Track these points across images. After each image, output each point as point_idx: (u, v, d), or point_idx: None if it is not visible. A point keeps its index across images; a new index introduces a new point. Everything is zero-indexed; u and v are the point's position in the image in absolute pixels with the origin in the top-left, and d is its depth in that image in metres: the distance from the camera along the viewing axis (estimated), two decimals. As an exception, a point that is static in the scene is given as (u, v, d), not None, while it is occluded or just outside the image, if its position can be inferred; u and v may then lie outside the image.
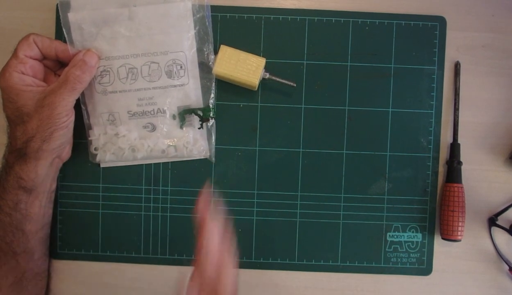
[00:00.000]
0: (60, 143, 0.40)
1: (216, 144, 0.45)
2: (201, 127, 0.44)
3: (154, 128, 0.43)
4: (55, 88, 0.39)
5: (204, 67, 0.43)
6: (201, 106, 0.44)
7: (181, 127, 0.43)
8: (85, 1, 0.41)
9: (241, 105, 0.45)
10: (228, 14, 0.45)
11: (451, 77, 0.45)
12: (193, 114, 0.43)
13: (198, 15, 0.42)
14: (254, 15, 0.45)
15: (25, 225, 0.40)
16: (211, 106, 0.44)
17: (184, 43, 0.42)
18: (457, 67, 0.45)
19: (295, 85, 0.43)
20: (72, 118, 0.40)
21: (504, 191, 0.46)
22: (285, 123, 0.45)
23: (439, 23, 0.45)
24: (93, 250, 0.45)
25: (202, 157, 0.45)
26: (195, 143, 0.44)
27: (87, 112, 0.43)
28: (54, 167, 0.41)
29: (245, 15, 0.45)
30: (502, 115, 0.46)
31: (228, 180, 0.45)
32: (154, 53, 0.41)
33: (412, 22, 0.45)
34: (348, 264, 0.45)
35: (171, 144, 0.44)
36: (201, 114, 0.43)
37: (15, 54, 0.39)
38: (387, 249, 0.45)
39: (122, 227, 0.45)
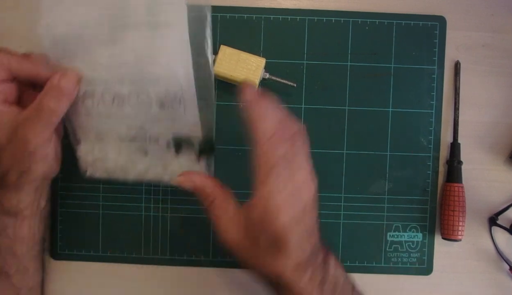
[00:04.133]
0: (43, 171, 0.36)
1: (217, 144, 0.45)
2: (198, 160, 0.40)
3: (146, 153, 0.39)
4: (28, 118, 0.33)
5: (203, 92, 0.37)
6: (200, 134, 0.38)
7: (176, 156, 0.39)
8: (59, 15, 0.35)
9: (241, 105, 0.45)
10: (228, 14, 0.45)
11: (451, 76, 0.45)
12: (188, 145, 0.39)
13: (196, 39, 0.36)
14: (254, 15, 0.45)
15: (15, 248, 0.38)
16: (211, 138, 0.38)
17: (179, 71, 0.35)
18: (457, 66, 0.45)
19: (295, 85, 0.43)
20: (52, 144, 0.36)
21: (504, 191, 0.46)
22: (285, 123, 0.45)
23: (439, 22, 0.45)
24: (93, 251, 0.45)
25: None
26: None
27: (72, 130, 0.39)
28: (41, 189, 0.38)
29: (245, 15, 0.45)
30: (502, 114, 0.46)
31: (228, 180, 0.45)
32: (143, 81, 0.35)
33: (412, 22, 0.45)
34: (348, 264, 0.45)
35: (164, 171, 0.40)
36: (198, 148, 0.39)
37: None
38: (387, 249, 0.45)
39: (122, 227, 0.45)
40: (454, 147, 0.45)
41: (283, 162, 0.30)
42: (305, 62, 0.45)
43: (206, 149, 0.39)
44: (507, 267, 0.45)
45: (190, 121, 0.37)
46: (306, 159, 0.32)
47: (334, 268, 0.32)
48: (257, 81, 0.42)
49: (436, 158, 0.45)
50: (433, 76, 0.45)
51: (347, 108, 0.45)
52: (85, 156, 0.40)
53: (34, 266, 0.41)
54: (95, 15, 0.34)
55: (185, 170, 0.37)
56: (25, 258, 0.39)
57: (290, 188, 0.30)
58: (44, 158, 0.35)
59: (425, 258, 0.45)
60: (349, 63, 0.45)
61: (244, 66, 0.42)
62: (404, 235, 0.45)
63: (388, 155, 0.45)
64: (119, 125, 0.37)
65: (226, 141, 0.45)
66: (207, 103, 0.37)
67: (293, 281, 0.31)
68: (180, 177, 0.35)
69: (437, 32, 0.45)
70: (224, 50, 0.42)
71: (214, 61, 0.42)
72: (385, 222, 0.45)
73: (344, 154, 0.45)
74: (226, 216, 0.33)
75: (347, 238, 0.45)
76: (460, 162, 0.44)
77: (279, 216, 0.29)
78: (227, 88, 0.44)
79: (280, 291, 0.32)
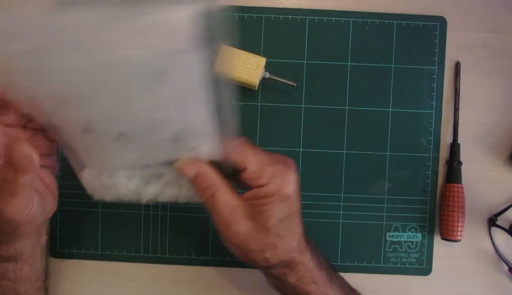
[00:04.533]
0: (34, 225, 0.33)
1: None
2: None
3: (160, 176, 0.35)
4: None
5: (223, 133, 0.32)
6: (218, 159, 0.34)
7: None
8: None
9: (241, 105, 0.45)
10: (228, 14, 0.44)
11: (451, 77, 0.45)
12: None
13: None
14: (255, 15, 0.45)
15: (18, 288, 0.37)
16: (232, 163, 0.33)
17: (195, 113, 0.30)
18: (457, 67, 0.45)
19: (295, 84, 0.43)
20: (35, 200, 0.32)
21: (504, 191, 0.46)
22: (285, 123, 0.45)
23: (440, 23, 0.45)
24: (93, 249, 0.45)
25: None
26: None
27: (73, 156, 0.35)
28: (40, 229, 0.37)
29: (245, 15, 0.45)
30: (502, 115, 0.46)
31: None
32: (151, 121, 0.30)
33: (412, 22, 0.45)
34: (347, 264, 0.45)
35: (179, 192, 0.36)
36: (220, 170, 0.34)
37: None
38: (386, 249, 0.45)
39: (122, 226, 0.45)
40: (454, 147, 0.45)
41: (255, 146, 0.33)
42: (305, 61, 0.45)
43: (227, 172, 0.34)
44: (506, 267, 0.45)
45: (208, 151, 0.33)
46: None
47: (317, 248, 0.36)
48: (257, 80, 0.42)
49: (436, 159, 0.45)
50: (433, 76, 0.45)
51: (347, 108, 0.45)
52: (92, 182, 0.36)
53: None
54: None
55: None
56: (29, 293, 0.38)
57: (280, 160, 0.33)
58: (30, 217, 0.32)
59: (424, 258, 0.45)
60: (349, 63, 0.45)
61: (244, 65, 0.42)
62: (403, 235, 0.46)
63: (388, 155, 0.45)
64: (127, 156, 0.34)
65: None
66: (227, 135, 0.32)
67: (301, 258, 0.33)
68: (183, 162, 0.33)
69: (438, 32, 0.45)
70: (225, 49, 0.42)
71: (214, 60, 0.42)
72: (384, 222, 0.45)
73: (344, 154, 0.45)
74: (229, 209, 0.32)
75: (347, 238, 0.45)
76: (460, 163, 0.44)
77: (288, 186, 0.32)
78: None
79: (293, 273, 0.34)
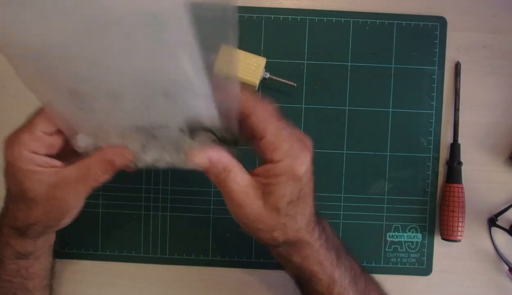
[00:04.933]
0: (68, 224, 0.36)
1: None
2: (219, 144, 0.35)
3: (154, 137, 0.35)
4: (70, 180, 0.33)
5: (220, 81, 0.32)
6: (219, 125, 0.33)
7: (192, 138, 0.35)
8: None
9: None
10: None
11: (452, 77, 0.45)
12: (209, 132, 0.34)
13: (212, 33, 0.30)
14: (255, 15, 0.45)
15: (28, 284, 0.38)
16: (233, 129, 0.33)
17: (184, 62, 0.29)
18: (457, 67, 0.45)
19: (295, 85, 0.43)
20: (83, 202, 0.35)
21: (504, 192, 0.46)
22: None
23: (440, 23, 0.45)
24: (93, 249, 0.45)
25: None
26: None
27: (64, 122, 0.34)
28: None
29: (246, 15, 0.45)
30: (502, 115, 0.46)
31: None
32: (140, 77, 0.29)
33: (412, 22, 0.45)
34: (348, 264, 0.45)
35: (178, 156, 0.36)
36: (219, 136, 0.34)
37: (30, 128, 0.32)
38: (387, 249, 0.45)
39: (122, 227, 0.45)
40: (454, 147, 0.45)
41: (280, 118, 0.32)
42: (305, 62, 0.45)
43: (228, 139, 0.34)
44: (507, 268, 0.45)
45: (204, 109, 0.32)
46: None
47: (327, 226, 0.36)
48: (257, 80, 0.42)
49: (436, 159, 0.45)
50: (434, 76, 0.45)
51: (347, 108, 0.45)
52: (86, 148, 0.36)
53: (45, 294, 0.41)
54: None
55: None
56: (36, 290, 0.39)
57: (299, 139, 0.32)
58: (75, 214, 0.36)
59: (425, 258, 0.45)
60: (349, 63, 0.45)
61: (244, 65, 0.42)
62: (403, 236, 0.46)
63: (388, 156, 0.45)
64: (118, 116, 0.33)
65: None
66: (227, 95, 0.32)
67: (308, 238, 0.33)
68: (193, 152, 0.33)
69: (438, 32, 0.45)
70: (225, 49, 0.42)
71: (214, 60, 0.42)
72: (384, 223, 0.45)
73: (344, 154, 0.45)
74: (240, 191, 0.32)
75: (347, 238, 0.45)
76: (460, 163, 0.44)
77: (301, 166, 0.31)
78: (227, 87, 0.44)
79: (300, 252, 0.34)
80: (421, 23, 0.45)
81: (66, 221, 0.36)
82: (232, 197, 0.32)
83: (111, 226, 0.45)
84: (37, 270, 0.38)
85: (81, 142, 0.35)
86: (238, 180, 0.32)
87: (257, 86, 0.43)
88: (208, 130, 0.34)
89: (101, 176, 0.34)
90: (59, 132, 0.34)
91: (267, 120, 0.32)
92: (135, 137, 0.35)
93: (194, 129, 0.34)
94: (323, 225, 0.35)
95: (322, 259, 0.34)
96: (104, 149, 0.34)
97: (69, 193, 0.33)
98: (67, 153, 0.35)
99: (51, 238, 0.39)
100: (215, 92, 0.31)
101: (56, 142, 0.34)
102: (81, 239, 0.45)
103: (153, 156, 0.35)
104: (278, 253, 0.35)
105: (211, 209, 0.45)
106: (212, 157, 0.32)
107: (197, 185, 0.45)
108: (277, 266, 0.45)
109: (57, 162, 0.34)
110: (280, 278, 0.46)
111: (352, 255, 0.37)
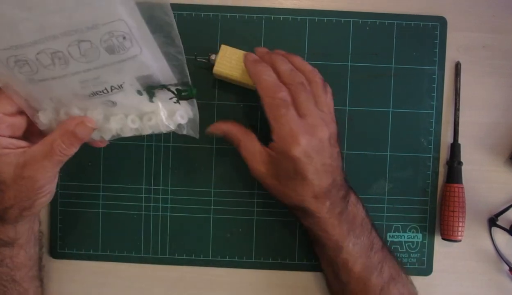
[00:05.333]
0: (45, 204, 0.36)
1: (216, 144, 0.45)
2: (178, 102, 0.37)
3: (114, 104, 0.35)
4: (37, 157, 0.33)
5: (164, 36, 0.33)
6: (174, 80, 0.35)
7: (151, 101, 0.36)
8: None
9: (241, 105, 0.45)
10: (228, 14, 0.45)
11: (452, 77, 0.45)
12: (164, 89, 0.35)
13: None
14: (255, 15, 0.45)
15: (14, 274, 0.38)
16: (187, 82, 0.35)
17: (119, 8, 0.30)
18: (457, 67, 0.45)
19: None
20: (57, 180, 0.36)
21: (504, 192, 0.46)
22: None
23: (440, 23, 0.45)
24: (93, 250, 0.45)
25: (185, 133, 0.38)
26: (171, 114, 0.37)
27: (22, 101, 0.34)
28: (36, 216, 0.39)
29: (246, 15, 0.45)
30: (502, 115, 0.46)
31: (229, 179, 0.45)
32: (78, 30, 0.30)
33: (412, 22, 0.45)
34: (348, 264, 0.45)
35: (142, 122, 0.36)
36: (177, 92, 0.36)
37: None
38: (387, 249, 0.45)
39: (122, 227, 0.45)
40: (454, 147, 0.45)
41: (284, 105, 0.35)
42: (305, 62, 0.45)
43: (185, 92, 0.36)
44: (507, 268, 0.45)
45: (150, 59, 0.33)
46: (313, 105, 0.36)
47: (353, 204, 0.38)
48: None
49: (436, 159, 0.45)
50: (434, 76, 0.45)
51: (347, 108, 0.45)
52: (49, 123, 0.36)
53: (34, 286, 0.41)
54: None
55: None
56: (24, 282, 0.39)
57: (298, 128, 0.35)
58: (48, 194, 0.36)
59: (425, 258, 0.45)
60: (349, 63, 0.45)
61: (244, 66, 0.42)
62: (404, 236, 0.45)
63: (388, 156, 0.45)
64: (71, 84, 0.33)
65: (226, 141, 0.45)
66: (172, 45, 0.33)
67: (314, 209, 0.36)
68: (210, 127, 0.40)
69: (438, 32, 0.45)
70: (225, 49, 0.42)
71: (214, 60, 0.42)
72: (385, 223, 0.45)
73: (345, 154, 0.45)
74: (253, 154, 0.38)
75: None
76: (460, 163, 0.44)
77: (292, 149, 0.34)
78: (227, 88, 0.44)
79: (306, 217, 0.38)
80: (421, 23, 0.45)
81: (42, 201, 0.35)
82: (244, 156, 0.39)
83: (111, 226, 0.45)
84: (23, 260, 0.38)
85: (43, 118, 0.35)
86: (247, 147, 0.38)
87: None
88: (165, 87, 0.35)
89: (66, 149, 0.33)
90: (22, 112, 0.34)
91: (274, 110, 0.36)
92: (95, 107, 0.35)
93: (151, 89, 0.35)
94: (346, 200, 0.38)
95: (329, 228, 0.37)
96: (64, 121, 0.34)
97: (37, 170, 0.33)
98: (34, 134, 0.36)
99: (34, 225, 0.39)
100: (161, 45, 0.33)
101: (19, 122, 0.34)
102: (81, 239, 0.45)
103: (116, 125, 0.36)
104: (290, 211, 0.40)
105: (211, 209, 0.45)
106: (225, 129, 0.40)
107: (197, 185, 0.45)
108: (277, 266, 0.46)
109: (23, 143, 0.34)
110: (280, 278, 0.46)
111: (376, 232, 0.40)
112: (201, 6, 0.45)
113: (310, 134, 0.35)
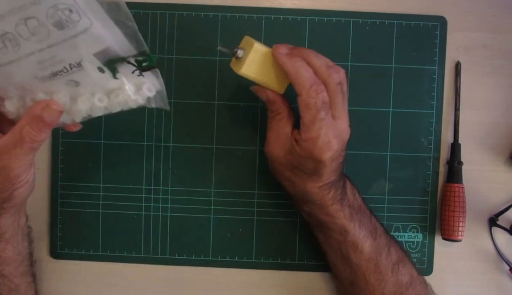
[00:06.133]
0: (25, 195, 0.36)
1: (216, 144, 0.45)
2: (141, 75, 0.35)
3: (77, 84, 0.34)
4: (8, 146, 0.33)
5: (108, 3, 0.31)
6: (132, 50, 0.34)
7: (115, 77, 0.35)
8: None
9: (241, 105, 0.45)
10: (228, 14, 0.45)
11: (452, 77, 0.45)
12: (124, 62, 0.34)
13: None
14: (255, 15, 0.45)
15: (3, 269, 0.38)
16: (145, 50, 0.33)
17: None
18: (457, 67, 0.45)
19: None
20: (34, 168, 0.36)
21: (504, 191, 0.46)
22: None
23: (440, 23, 0.45)
24: (93, 250, 0.45)
25: (154, 106, 0.37)
26: (138, 88, 0.36)
27: None
28: (20, 209, 0.38)
29: (246, 15, 0.45)
30: (502, 115, 0.46)
31: (229, 180, 0.45)
32: (21, 7, 0.29)
33: (412, 22, 0.45)
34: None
35: (110, 101, 0.36)
36: (137, 64, 0.34)
37: None
38: (387, 249, 0.45)
39: (122, 227, 0.45)
40: (455, 147, 0.45)
41: (324, 108, 0.35)
42: (305, 62, 0.45)
43: (145, 62, 0.34)
44: (507, 267, 0.45)
45: (102, 29, 0.32)
46: (345, 106, 0.37)
47: (350, 190, 0.40)
48: (284, 89, 0.39)
49: (437, 159, 0.45)
50: (434, 76, 0.45)
51: (347, 108, 0.45)
52: (17, 111, 0.35)
53: (26, 282, 0.40)
54: None
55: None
56: (14, 277, 0.39)
57: (332, 132, 0.35)
58: (26, 183, 0.35)
59: (425, 258, 0.45)
60: (349, 63, 0.45)
61: (274, 69, 0.37)
62: (404, 236, 0.45)
63: (388, 155, 0.45)
64: (29, 68, 0.32)
65: (226, 141, 0.45)
66: (118, 11, 0.32)
67: (318, 198, 0.38)
68: (257, 87, 0.38)
69: (438, 32, 0.45)
70: (257, 49, 0.36)
71: (241, 58, 0.36)
72: (385, 222, 0.45)
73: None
74: (278, 135, 0.38)
75: (347, 238, 0.45)
76: (460, 163, 0.44)
77: (322, 156, 0.35)
78: (227, 88, 0.44)
79: (308, 204, 0.39)
80: (421, 23, 0.45)
81: (21, 191, 0.35)
82: (269, 132, 0.39)
83: (111, 226, 0.45)
84: (11, 254, 0.38)
85: (10, 107, 0.35)
86: (279, 125, 0.38)
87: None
88: (124, 60, 0.34)
89: (36, 135, 0.33)
90: None
91: (309, 108, 0.35)
92: (60, 89, 0.35)
93: (111, 64, 0.34)
94: (344, 187, 0.39)
95: (333, 212, 0.38)
96: (30, 107, 0.33)
97: (10, 159, 0.33)
98: (6, 124, 0.35)
99: (19, 219, 0.39)
100: (108, 13, 0.31)
101: None
102: (81, 240, 0.45)
103: (84, 105, 0.35)
104: (291, 196, 0.41)
105: (211, 209, 0.45)
106: (272, 97, 0.38)
107: (197, 185, 0.45)
108: (277, 266, 0.45)
109: None
110: (280, 278, 0.46)
111: (376, 218, 0.40)
112: (201, 6, 0.45)
113: (339, 139, 0.36)
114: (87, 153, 0.45)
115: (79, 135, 0.43)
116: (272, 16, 0.45)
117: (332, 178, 0.37)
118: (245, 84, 0.44)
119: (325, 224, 0.39)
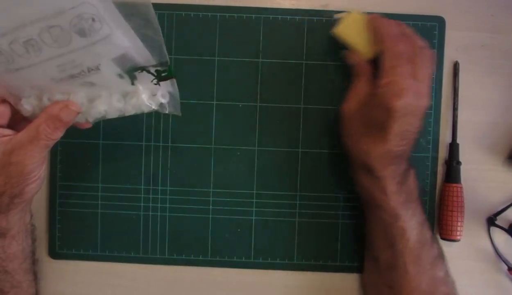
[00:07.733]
0: (35, 192, 0.37)
1: (214, 144, 0.45)
2: (158, 84, 0.36)
3: (93, 84, 0.35)
4: (23, 143, 0.34)
5: (141, 18, 0.33)
6: (152, 61, 0.35)
7: (132, 84, 0.36)
8: None
9: (241, 105, 0.45)
10: (227, 14, 0.45)
11: (450, 77, 0.45)
12: (144, 71, 0.35)
13: None
14: (253, 15, 0.45)
15: (7, 266, 0.38)
16: (166, 62, 0.35)
17: None
18: (456, 67, 0.45)
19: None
20: (45, 165, 0.36)
21: (503, 191, 0.46)
22: (285, 123, 0.45)
23: (438, 23, 0.45)
24: (93, 250, 0.45)
25: (167, 112, 0.38)
26: (153, 93, 0.37)
27: (3, 91, 0.35)
28: (27, 206, 0.39)
29: (244, 15, 0.45)
30: (501, 115, 0.46)
31: (228, 180, 0.45)
32: (46, 17, 0.30)
33: (411, 22, 0.45)
34: (347, 264, 0.45)
35: (124, 103, 0.37)
36: (157, 74, 0.36)
37: None
38: (386, 249, 0.45)
39: (121, 227, 0.45)
40: (453, 147, 0.45)
41: (405, 58, 0.36)
42: (304, 62, 0.45)
43: (164, 72, 0.36)
44: (506, 267, 0.45)
45: (122, 37, 0.33)
46: (428, 76, 0.37)
47: (412, 181, 0.40)
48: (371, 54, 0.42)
49: (435, 158, 0.45)
50: (432, 76, 0.45)
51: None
52: (33, 110, 0.36)
53: (28, 279, 0.41)
54: None
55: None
56: (17, 274, 0.39)
57: (410, 84, 0.35)
58: (38, 180, 0.36)
59: (424, 258, 0.45)
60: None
61: (368, 36, 0.41)
62: (402, 235, 0.45)
63: (387, 155, 0.45)
64: (48, 70, 0.33)
65: (225, 141, 0.45)
66: (149, 27, 0.33)
67: (377, 167, 0.38)
68: (349, 54, 0.42)
69: (436, 32, 0.45)
70: (353, 16, 0.42)
71: (337, 21, 0.42)
72: (384, 222, 0.45)
73: (345, 154, 0.45)
74: (357, 93, 0.40)
75: (346, 238, 0.45)
76: (459, 163, 0.44)
77: (393, 101, 0.35)
78: (226, 88, 0.44)
79: (367, 175, 0.39)
80: (420, 22, 0.45)
81: (32, 187, 0.36)
82: (350, 91, 0.41)
83: (110, 226, 0.45)
84: (15, 251, 0.38)
85: (27, 105, 0.36)
86: (360, 85, 0.40)
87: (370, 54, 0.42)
88: (145, 69, 0.35)
89: (52, 133, 0.34)
90: (4, 101, 0.35)
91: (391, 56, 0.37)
92: (77, 90, 0.35)
93: (132, 72, 0.35)
94: (407, 174, 0.39)
95: (388, 191, 0.38)
96: (48, 106, 0.35)
97: (25, 155, 0.34)
98: (18, 122, 0.36)
99: (25, 216, 0.39)
100: (138, 27, 0.33)
101: (3, 111, 0.35)
102: (79, 240, 0.45)
103: (102, 106, 0.36)
104: (355, 166, 0.41)
105: (210, 210, 0.45)
106: (356, 61, 0.41)
107: (196, 185, 0.45)
108: (276, 266, 0.46)
109: (8, 131, 0.35)
110: (280, 278, 0.46)
111: (425, 216, 0.40)
112: (200, 6, 0.45)
113: (416, 97, 0.36)
114: (86, 153, 0.45)
115: (78, 135, 0.43)
116: (271, 16, 0.45)
117: (397, 148, 0.37)
118: (244, 84, 0.45)
119: (378, 202, 0.39)
